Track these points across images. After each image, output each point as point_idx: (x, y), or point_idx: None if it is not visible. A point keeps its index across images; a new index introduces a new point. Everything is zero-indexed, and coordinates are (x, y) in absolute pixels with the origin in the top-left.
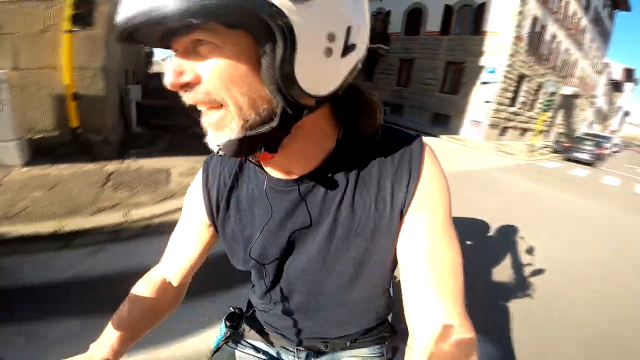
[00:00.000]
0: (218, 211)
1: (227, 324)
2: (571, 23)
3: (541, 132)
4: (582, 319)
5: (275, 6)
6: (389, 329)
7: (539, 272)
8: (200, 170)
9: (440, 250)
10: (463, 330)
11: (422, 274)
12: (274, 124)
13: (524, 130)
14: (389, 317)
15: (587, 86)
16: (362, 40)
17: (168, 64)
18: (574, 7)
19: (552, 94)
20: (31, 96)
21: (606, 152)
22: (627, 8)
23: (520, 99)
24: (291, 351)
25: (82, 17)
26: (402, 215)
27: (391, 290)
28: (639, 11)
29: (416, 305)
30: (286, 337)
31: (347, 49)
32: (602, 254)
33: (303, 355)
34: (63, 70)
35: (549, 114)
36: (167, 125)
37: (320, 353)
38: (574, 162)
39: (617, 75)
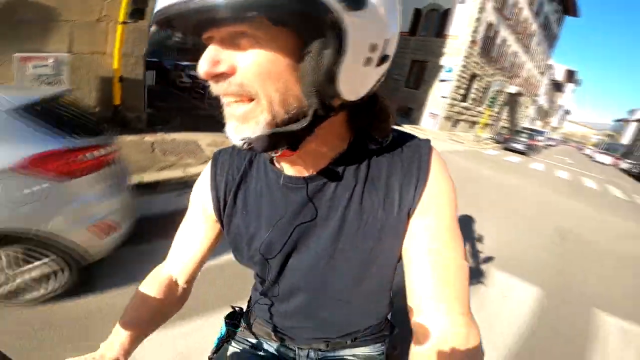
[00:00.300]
0: (225, 206)
1: (228, 322)
2: (521, 28)
3: (487, 125)
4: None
5: (333, 11)
6: (389, 327)
7: (480, 238)
8: (209, 165)
9: (446, 252)
10: (468, 333)
11: (427, 276)
12: (305, 122)
13: (473, 123)
14: (389, 315)
15: (531, 86)
16: (392, 51)
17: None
18: (526, 13)
19: (498, 92)
20: (81, 77)
21: (539, 144)
22: (575, 14)
23: (471, 95)
24: (292, 349)
25: (137, 12)
26: (409, 216)
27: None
28: (586, 17)
29: (421, 307)
30: (287, 336)
31: (382, 59)
32: (526, 216)
33: (304, 353)
34: (114, 56)
35: (495, 109)
36: (172, 107)
37: (321, 351)
38: (510, 151)
39: (560, 76)
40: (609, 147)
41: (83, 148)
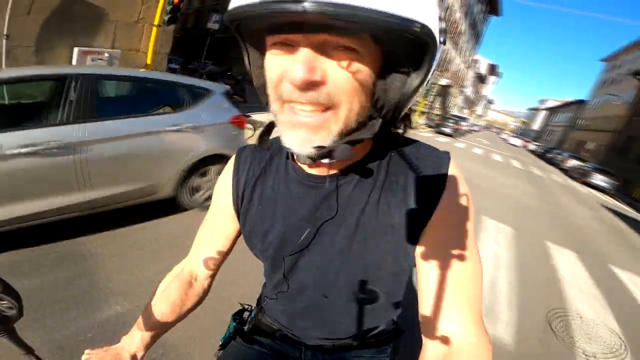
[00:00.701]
0: (242, 200)
1: (235, 320)
2: (452, 27)
3: (422, 112)
4: None
5: (436, 44)
6: (395, 330)
7: None
8: (232, 160)
9: (461, 263)
10: (479, 344)
11: (441, 286)
12: (374, 130)
13: (411, 111)
14: (395, 317)
15: (459, 78)
16: None
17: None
18: (458, 14)
19: (432, 84)
20: None
21: (463, 128)
22: (498, 13)
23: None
24: (298, 349)
25: (172, 20)
26: (425, 224)
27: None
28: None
29: (433, 315)
30: (294, 335)
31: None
32: None
33: (309, 353)
34: (147, 53)
35: (430, 99)
36: None
37: (327, 352)
38: (441, 134)
39: (484, 69)
40: (523, 132)
41: (241, 115)
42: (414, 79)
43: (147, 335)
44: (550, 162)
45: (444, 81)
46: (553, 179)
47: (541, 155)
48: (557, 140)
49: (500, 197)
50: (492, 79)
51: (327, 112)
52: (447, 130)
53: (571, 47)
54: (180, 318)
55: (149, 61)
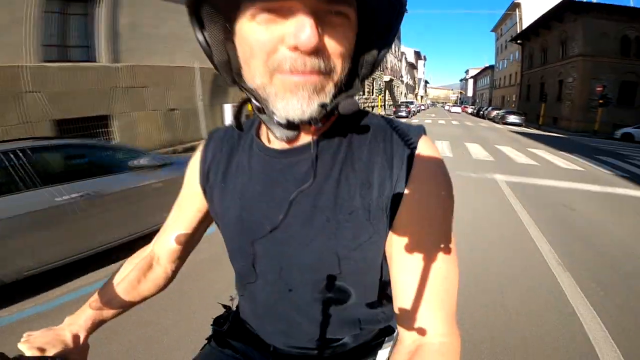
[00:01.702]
0: (208, 177)
1: (214, 322)
2: None
3: (382, 106)
4: None
5: (404, 9)
6: (387, 332)
7: None
8: (203, 142)
9: (435, 260)
10: (449, 343)
11: (412, 281)
12: (359, 89)
13: (372, 107)
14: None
15: (396, 72)
16: None
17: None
18: None
19: (381, 83)
20: None
21: (413, 109)
22: (405, 10)
23: (366, 89)
24: (266, 358)
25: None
26: (392, 212)
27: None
28: (410, 8)
29: (404, 311)
30: (263, 341)
31: None
32: None
33: None
34: None
35: (382, 95)
36: None
37: None
38: (398, 117)
39: (411, 58)
40: (463, 101)
41: None
42: (384, 43)
43: (94, 316)
44: (482, 116)
45: (386, 77)
46: (480, 125)
47: (475, 114)
48: (487, 100)
49: (443, 136)
50: (420, 63)
51: (321, 76)
52: (403, 113)
53: (472, 20)
54: (134, 303)
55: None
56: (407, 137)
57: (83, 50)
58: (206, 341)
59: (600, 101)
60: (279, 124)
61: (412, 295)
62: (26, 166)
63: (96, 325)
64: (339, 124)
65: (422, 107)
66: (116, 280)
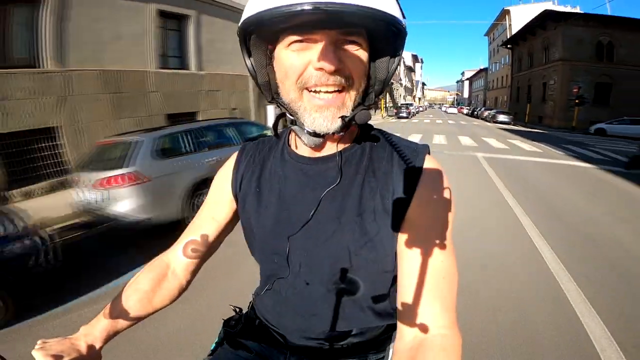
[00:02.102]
0: (241, 184)
1: (225, 324)
2: None
3: (384, 107)
4: None
5: (404, 33)
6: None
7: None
8: (235, 154)
9: (437, 257)
10: (449, 337)
11: (414, 278)
12: (372, 101)
13: (376, 109)
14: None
15: (395, 75)
16: None
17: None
18: None
19: None
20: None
21: (413, 111)
22: (404, 17)
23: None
24: (283, 353)
25: None
26: (404, 213)
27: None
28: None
29: (407, 308)
30: (281, 336)
31: None
32: (418, 131)
33: (294, 359)
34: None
35: (383, 98)
36: None
37: (313, 358)
38: (400, 118)
39: (409, 61)
40: (459, 102)
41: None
42: (393, 62)
43: (108, 326)
44: (476, 116)
45: None
46: (473, 123)
47: (470, 114)
48: (481, 101)
49: (441, 131)
50: (417, 65)
51: (343, 92)
52: (404, 114)
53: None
54: (149, 313)
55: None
56: (416, 153)
57: (178, 60)
58: (215, 344)
59: (577, 101)
60: (308, 133)
61: (413, 290)
62: (191, 138)
63: (110, 336)
64: (361, 137)
65: (420, 109)
66: (130, 290)
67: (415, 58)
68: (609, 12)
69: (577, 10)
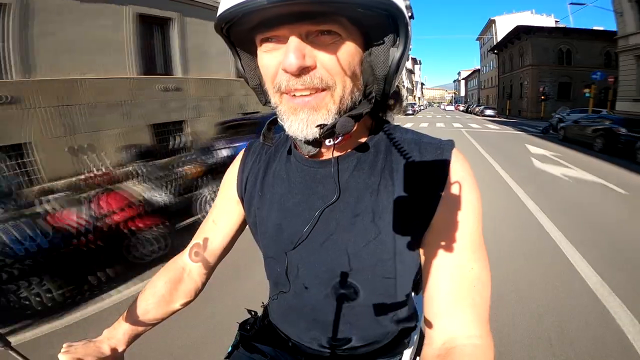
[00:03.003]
0: (246, 187)
1: (241, 328)
2: None
3: None
4: None
5: (405, 16)
6: (409, 331)
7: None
8: (241, 153)
9: (466, 264)
10: (482, 346)
11: (445, 286)
12: (370, 105)
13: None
14: (417, 323)
15: (400, 79)
16: None
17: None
18: None
19: None
20: None
21: (416, 109)
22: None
23: None
24: (297, 359)
25: None
26: (428, 220)
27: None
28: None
29: (437, 314)
30: (293, 342)
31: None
32: (424, 126)
33: None
34: None
35: None
36: None
37: None
38: (407, 115)
39: (409, 65)
40: (457, 100)
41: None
42: (395, 52)
43: (130, 329)
44: (470, 112)
45: None
46: (465, 117)
47: (465, 111)
48: (476, 99)
49: (440, 121)
50: (416, 67)
51: (323, 92)
52: (410, 112)
53: (461, 27)
54: (167, 315)
55: None
56: (441, 150)
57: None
58: (232, 347)
59: (542, 97)
60: (302, 140)
61: (444, 297)
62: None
63: (132, 338)
64: (374, 135)
65: (422, 107)
66: (148, 293)
67: (414, 61)
68: (571, 24)
69: (552, 17)
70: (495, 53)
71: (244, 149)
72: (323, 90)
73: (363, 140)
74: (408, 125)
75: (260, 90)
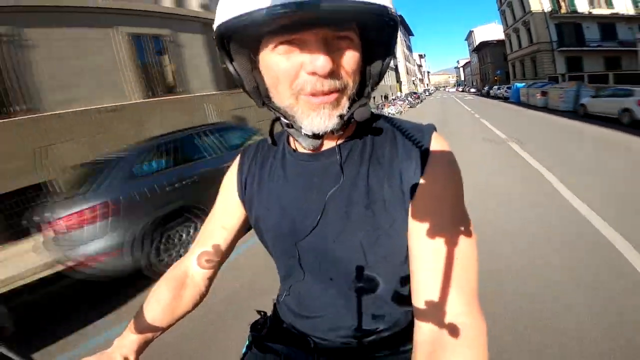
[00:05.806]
0: (246, 187)
1: (252, 329)
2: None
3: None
4: None
5: (398, 25)
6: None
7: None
8: (237, 158)
9: (449, 239)
10: (471, 324)
11: (427, 265)
12: (369, 99)
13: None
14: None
15: (413, 73)
16: None
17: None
18: (399, 54)
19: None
20: None
21: (431, 92)
22: (412, 34)
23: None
24: (311, 355)
25: None
26: (411, 197)
27: None
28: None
29: (425, 294)
30: (306, 338)
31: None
32: (433, 110)
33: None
34: None
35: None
36: None
37: (341, 358)
38: (430, 95)
39: (418, 61)
40: (460, 84)
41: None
42: (386, 55)
43: (139, 337)
44: (463, 91)
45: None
46: (458, 94)
47: (462, 91)
48: (474, 82)
49: (442, 96)
50: (423, 60)
51: (337, 92)
52: (429, 93)
53: (456, 20)
54: (173, 321)
55: None
56: (422, 132)
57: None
58: (245, 348)
59: (496, 79)
60: (306, 136)
61: (425, 277)
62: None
63: (142, 347)
64: (360, 128)
65: (433, 91)
66: (152, 302)
67: (421, 56)
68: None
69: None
70: (476, 53)
71: (239, 155)
72: (341, 90)
73: (351, 132)
74: (432, 97)
75: (256, 93)
